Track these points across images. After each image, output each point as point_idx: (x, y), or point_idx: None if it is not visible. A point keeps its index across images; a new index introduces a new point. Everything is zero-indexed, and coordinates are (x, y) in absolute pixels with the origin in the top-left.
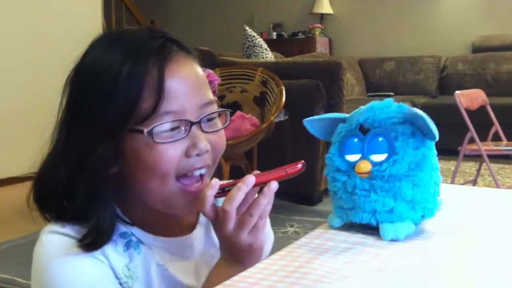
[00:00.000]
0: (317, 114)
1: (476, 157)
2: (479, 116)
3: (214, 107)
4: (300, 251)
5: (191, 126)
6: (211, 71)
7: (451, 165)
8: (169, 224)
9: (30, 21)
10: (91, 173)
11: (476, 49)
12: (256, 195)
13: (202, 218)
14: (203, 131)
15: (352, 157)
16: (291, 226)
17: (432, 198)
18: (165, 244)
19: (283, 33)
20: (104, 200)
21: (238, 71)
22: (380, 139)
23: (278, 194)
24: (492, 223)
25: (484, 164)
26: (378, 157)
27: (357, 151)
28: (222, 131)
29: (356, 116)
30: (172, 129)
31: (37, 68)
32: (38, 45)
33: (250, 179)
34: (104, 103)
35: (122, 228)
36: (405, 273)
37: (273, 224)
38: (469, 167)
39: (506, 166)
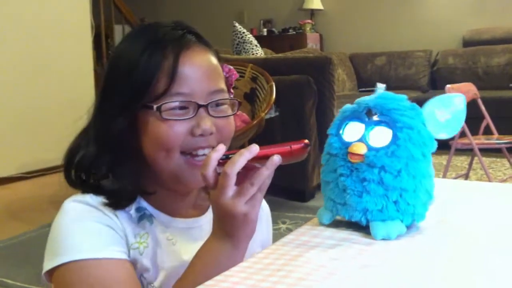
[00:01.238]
0: (308, 110)
1: (467, 151)
2: (470, 109)
3: (224, 96)
4: (286, 248)
5: (198, 108)
6: (230, 67)
7: (443, 159)
8: (181, 204)
9: (17, 20)
10: (112, 144)
11: (466, 43)
12: None
13: (210, 212)
14: (210, 114)
15: (348, 137)
16: (283, 222)
17: (421, 205)
18: (176, 223)
19: (273, 29)
20: (125, 170)
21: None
22: (384, 127)
23: (270, 191)
24: (484, 218)
25: (476, 158)
26: (376, 143)
27: (356, 133)
28: (231, 119)
29: (366, 99)
30: (181, 108)
31: (24, 68)
32: (25, 44)
33: (254, 147)
34: (124, 82)
35: (139, 203)
36: (391, 268)
37: None
38: (461, 161)
39: (498, 159)
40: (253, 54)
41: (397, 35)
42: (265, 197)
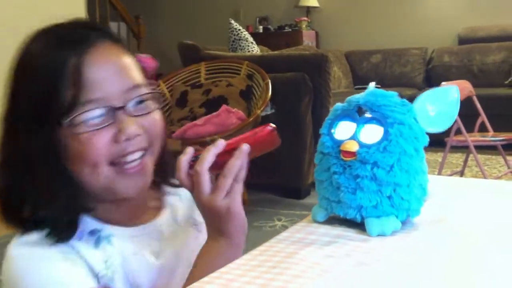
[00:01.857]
0: (304, 107)
1: (463, 148)
2: (465, 107)
3: (143, 91)
4: (281, 245)
5: (115, 112)
6: (146, 56)
7: (438, 156)
8: (131, 212)
9: (10, 16)
10: (32, 168)
11: (462, 41)
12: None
13: (165, 211)
14: (131, 115)
15: (340, 136)
16: (279, 220)
17: (416, 200)
18: (134, 232)
19: (269, 26)
20: (54, 195)
21: (223, 65)
22: (375, 124)
23: (265, 188)
24: (480, 214)
25: (471, 155)
26: (368, 139)
27: (348, 131)
28: (157, 113)
29: (357, 97)
30: (98, 117)
31: None
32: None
33: (220, 142)
34: (28, 98)
35: (90, 226)
36: (387, 266)
37: (261, 218)
38: (456, 158)
39: (493, 156)
40: (249, 52)
41: (392, 33)
42: (260, 194)
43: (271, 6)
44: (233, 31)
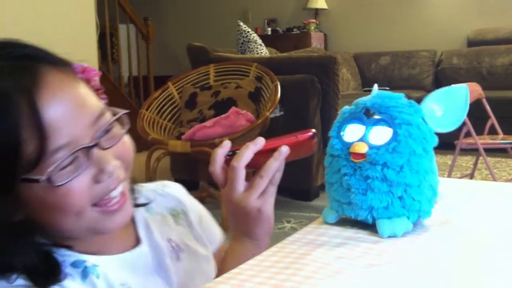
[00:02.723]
0: (312, 109)
1: (472, 151)
2: (475, 109)
3: (107, 116)
4: (293, 247)
5: (89, 151)
6: (86, 65)
7: (447, 159)
8: (109, 239)
9: (22, 18)
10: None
11: (471, 43)
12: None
13: (140, 229)
14: (104, 148)
15: (349, 138)
16: (288, 222)
17: (427, 201)
18: (118, 261)
19: (277, 28)
20: (21, 248)
21: (232, 67)
22: (384, 125)
23: None
24: (490, 217)
25: (481, 158)
26: (377, 141)
27: (356, 133)
28: (126, 137)
29: (364, 99)
30: (71, 163)
31: None
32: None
33: (260, 139)
34: None
35: (70, 257)
36: (397, 267)
37: None
38: (466, 161)
39: (503, 159)
40: (257, 54)
41: (401, 35)
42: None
43: (279, 8)
44: (241, 33)
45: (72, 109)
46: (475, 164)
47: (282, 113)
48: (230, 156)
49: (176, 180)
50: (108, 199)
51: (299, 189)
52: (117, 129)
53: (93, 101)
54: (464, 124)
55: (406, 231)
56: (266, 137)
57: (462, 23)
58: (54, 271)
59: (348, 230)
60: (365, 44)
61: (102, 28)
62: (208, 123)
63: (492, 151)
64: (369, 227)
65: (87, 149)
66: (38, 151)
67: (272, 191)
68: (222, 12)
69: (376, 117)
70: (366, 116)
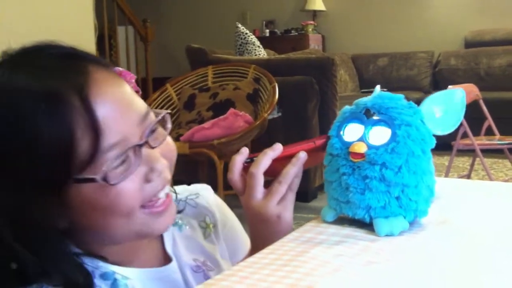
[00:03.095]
0: (310, 110)
1: (469, 151)
2: (472, 110)
3: (152, 116)
4: (291, 244)
5: (139, 151)
6: (122, 69)
7: (444, 160)
8: (139, 251)
9: (20, 19)
10: (34, 237)
11: (468, 44)
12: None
13: (167, 243)
14: (153, 147)
15: (348, 137)
16: None
17: (424, 201)
18: (149, 274)
19: (275, 30)
20: (63, 261)
21: (230, 69)
22: (383, 126)
23: None
24: (487, 216)
25: (477, 158)
26: (376, 141)
27: (356, 133)
28: (169, 137)
29: (364, 100)
30: (122, 163)
31: None
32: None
33: (278, 146)
34: (28, 156)
35: (101, 269)
36: (396, 265)
37: None
38: (463, 162)
39: (500, 160)
40: (255, 55)
41: (399, 36)
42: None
43: (277, 10)
44: (240, 35)
45: (121, 107)
46: (472, 164)
47: (280, 114)
48: (248, 163)
49: (175, 182)
50: (155, 200)
51: (297, 190)
52: (161, 130)
53: (138, 100)
54: (461, 125)
55: (403, 230)
56: (264, 138)
57: (460, 24)
58: (87, 283)
59: (346, 229)
60: (363, 45)
61: (101, 30)
62: (206, 124)
63: (489, 152)
64: (367, 226)
65: (138, 147)
66: (92, 149)
67: (291, 197)
68: (220, 13)
69: (376, 117)
70: (366, 116)
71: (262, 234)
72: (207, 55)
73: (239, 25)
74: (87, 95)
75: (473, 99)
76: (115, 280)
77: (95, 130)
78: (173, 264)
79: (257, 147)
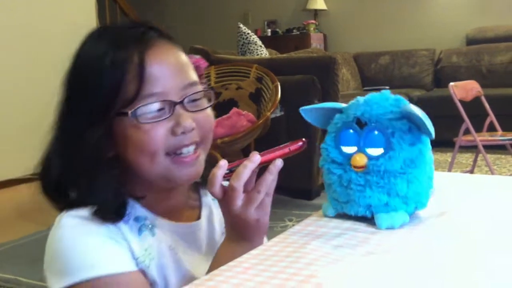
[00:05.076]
0: None
1: (472, 148)
2: (474, 107)
3: (198, 88)
4: (294, 237)
5: (174, 106)
6: (197, 56)
7: (447, 156)
8: (175, 206)
9: (24, 22)
10: (88, 154)
11: (470, 41)
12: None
13: (204, 211)
14: (187, 110)
15: (348, 149)
16: (290, 220)
17: (425, 192)
18: (175, 228)
19: (277, 30)
20: (105, 180)
21: (233, 69)
22: (377, 133)
23: (276, 189)
24: (485, 210)
25: (480, 155)
26: (374, 151)
27: (353, 143)
28: (209, 111)
29: (353, 108)
30: (157, 110)
31: (32, 71)
32: (31, 48)
33: (256, 157)
34: (91, 90)
35: (136, 212)
36: (394, 256)
37: (272, 219)
38: (466, 158)
39: (503, 156)
40: (258, 55)
41: (400, 34)
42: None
43: (279, 10)
44: (242, 35)
45: (170, 70)
46: (475, 161)
47: (282, 113)
48: (227, 174)
49: None
50: (180, 153)
51: (301, 188)
52: (204, 102)
53: (190, 72)
54: (463, 121)
55: (403, 223)
56: (267, 137)
57: (461, 22)
58: (119, 213)
59: (347, 222)
60: (365, 44)
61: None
62: None
63: (491, 148)
64: (367, 220)
65: (173, 104)
66: (135, 92)
67: (268, 201)
68: (222, 14)
69: (367, 126)
70: (358, 126)
71: (240, 234)
72: (209, 55)
73: (241, 25)
74: (144, 55)
75: (474, 95)
76: (143, 224)
77: (140, 78)
78: (201, 222)
79: (260, 146)
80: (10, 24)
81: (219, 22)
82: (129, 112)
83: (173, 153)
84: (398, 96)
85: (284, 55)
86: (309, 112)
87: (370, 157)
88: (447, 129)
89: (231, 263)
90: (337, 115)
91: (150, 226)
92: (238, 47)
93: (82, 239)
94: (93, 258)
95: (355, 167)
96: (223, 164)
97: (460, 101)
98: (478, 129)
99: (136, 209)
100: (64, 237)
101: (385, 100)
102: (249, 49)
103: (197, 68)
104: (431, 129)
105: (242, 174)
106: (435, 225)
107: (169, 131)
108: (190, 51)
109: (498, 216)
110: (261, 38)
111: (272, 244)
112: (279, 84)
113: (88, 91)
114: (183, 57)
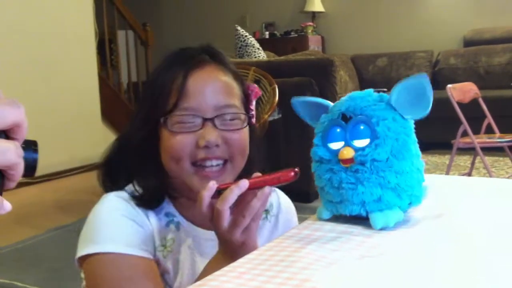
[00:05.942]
0: None
1: (470, 150)
2: (471, 109)
3: (233, 110)
4: (289, 241)
5: (205, 121)
6: (255, 85)
7: (445, 159)
8: (201, 215)
9: (22, 27)
10: (137, 152)
11: (467, 43)
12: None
13: None
14: (216, 127)
15: (335, 145)
16: None
17: (417, 184)
18: (198, 233)
19: (275, 32)
20: (150, 174)
21: None
22: (362, 126)
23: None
24: (482, 211)
25: (478, 157)
26: (360, 143)
27: (340, 139)
28: (242, 132)
29: (338, 105)
30: (190, 122)
31: (30, 74)
32: (30, 51)
33: (244, 183)
34: (147, 100)
35: (168, 209)
36: (390, 259)
37: None
38: (464, 160)
39: (501, 158)
40: (255, 57)
41: (398, 36)
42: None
43: (277, 12)
44: (239, 37)
45: (209, 89)
46: (473, 163)
47: (280, 115)
48: (216, 196)
49: None
50: (204, 166)
51: (299, 191)
52: (238, 123)
53: (230, 95)
54: (460, 123)
55: (398, 222)
56: (265, 139)
57: (459, 23)
58: (154, 202)
59: (342, 225)
60: (363, 46)
61: (101, 34)
62: None
63: (489, 150)
64: (362, 222)
65: (204, 119)
66: (174, 104)
67: (254, 226)
68: (220, 16)
69: (353, 119)
70: (343, 121)
71: (227, 251)
72: None
73: (239, 28)
74: (189, 74)
75: (472, 97)
76: (172, 219)
77: (180, 93)
78: None
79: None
80: (7, 25)
81: (216, 24)
82: (162, 119)
83: (198, 164)
84: (381, 93)
85: (282, 57)
86: (299, 104)
87: (356, 149)
88: (445, 131)
89: (226, 268)
90: (323, 115)
91: (177, 223)
92: (235, 50)
93: (113, 216)
94: (118, 235)
95: (342, 161)
96: (211, 186)
97: (458, 103)
98: (476, 131)
99: (170, 207)
100: (100, 210)
101: (369, 95)
102: (246, 51)
103: (249, 96)
104: (409, 123)
105: (227, 198)
106: (431, 227)
107: (195, 142)
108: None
109: (496, 219)
110: (259, 40)
111: (267, 249)
112: (276, 86)
113: (146, 101)
114: (227, 79)
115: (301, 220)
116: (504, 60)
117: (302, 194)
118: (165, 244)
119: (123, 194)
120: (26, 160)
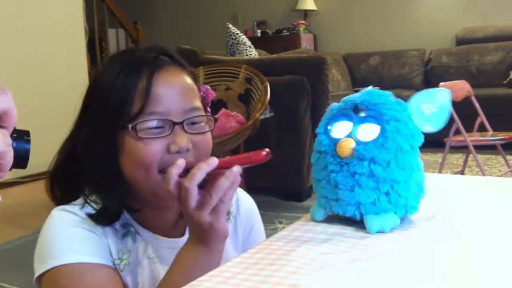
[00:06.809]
0: (302, 110)
1: (463, 148)
2: (464, 107)
3: (200, 113)
4: (279, 243)
5: (173, 126)
6: (207, 87)
7: (438, 157)
8: (164, 223)
9: (11, 25)
10: (96, 163)
11: (460, 41)
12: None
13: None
14: (185, 131)
15: (337, 133)
16: (280, 222)
17: (414, 197)
18: (159, 241)
19: (267, 30)
20: (109, 188)
21: (222, 69)
22: (371, 121)
23: (265, 191)
24: (476, 212)
25: (471, 155)
26: (365, 137)
27: (344, 130)
28: (208, 135)
29: (353, 97)
30: (157, 128)
31: (19, 72)
32: (19, 49)
33: (213, 160)
34: (103, 103)
35: (125, 220)
36: (382, 261)
37: (262, 221)
38: (456, 158)
39: (493, 156)
40: (247, 55)
41: (390, 35)
42: (261, 197)
43: (269, 10)
44: (231, 35)
45: (175, 92)
46: (465, 161)
47: (272, 114)
48: (184, 174)
49: None
50: None
51: (291, 190)
52: (204, 126)
53: (194, 97)
54: (453, 121)
55: (393, 227)
56: (256, 138)
57: (451, 22)
58: (112, 218)
59: (334, 227)
60: (355, 44)
61: (91, 32)
62: None
63: (482, 148)
64: (355, 223)
65: (172, 123)
66: (139, 109)
67: (223, 208)
68: (212, 15)
69: (364, 114)
70: (354, 113)
71: (196, 235)
72: (198, 56)
73: (230, 26)
74: (153, 76)
75: (465, 96)
76: (128, 231)
77: (145, 97)
78: (184, 239)
79: (249, 147)
80: None
81: (208, 22)
82: (130, 125)
83: (166, 171)
84: (399, 99)
85: (274, 55)
86: None
87: (358, 142)
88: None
89: (211, 273)
90: (333, 104)
91: (133, 233)
92: (227, 48)
93: (65, 229)
94: (72, 246)
95: (340, 150)
96: (180, 163)
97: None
98: (469, 129)
99: (126, 217)
100: (50, 227)
101: (388, 95)
102: (238, 49)
103: (204, 97)
104: (419, 135)
105: (195, 175)
106: (426, 228)
107: (165, 148)
108: (178, 51)
109: (491, 217)
110: (251, 38)
111: (256, 251)
112: (268, 84)
113: (99, 107)
114: (190, 83)
115: (293, 219)
116: (496, 58)
117: (294, 194)
118: (121, 257)
119: (73, 208)
120: (17, 150)
